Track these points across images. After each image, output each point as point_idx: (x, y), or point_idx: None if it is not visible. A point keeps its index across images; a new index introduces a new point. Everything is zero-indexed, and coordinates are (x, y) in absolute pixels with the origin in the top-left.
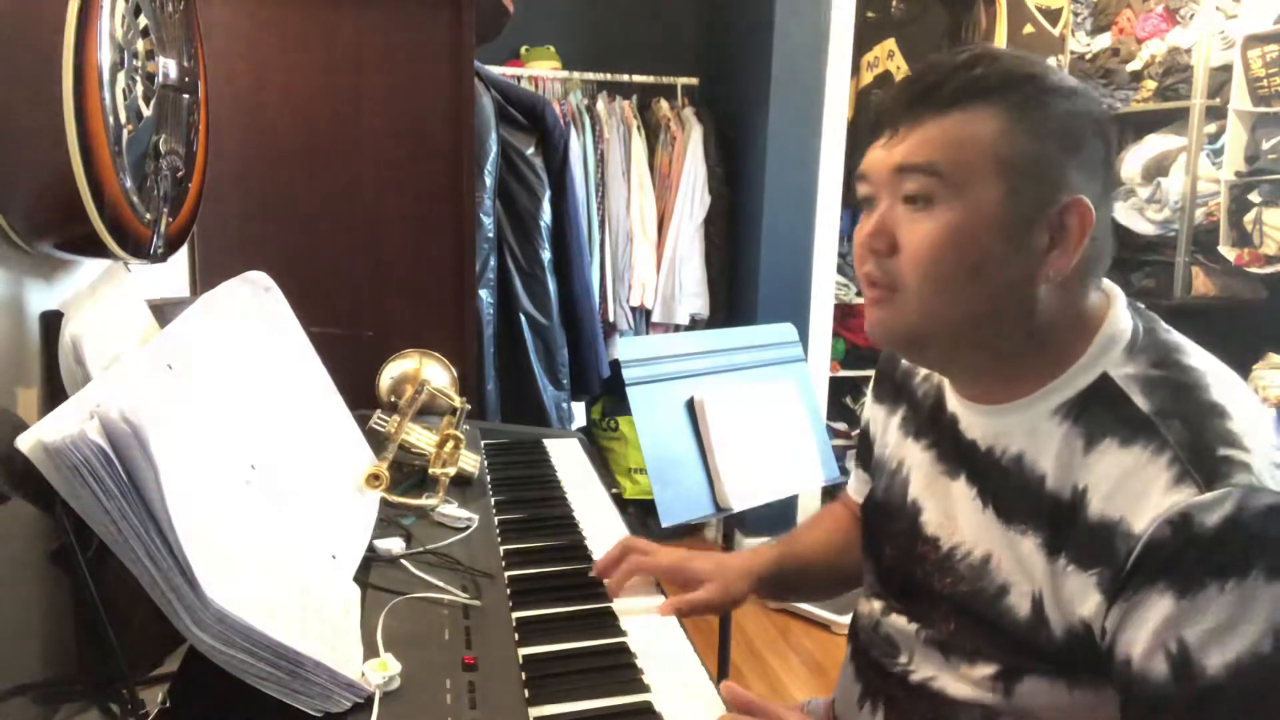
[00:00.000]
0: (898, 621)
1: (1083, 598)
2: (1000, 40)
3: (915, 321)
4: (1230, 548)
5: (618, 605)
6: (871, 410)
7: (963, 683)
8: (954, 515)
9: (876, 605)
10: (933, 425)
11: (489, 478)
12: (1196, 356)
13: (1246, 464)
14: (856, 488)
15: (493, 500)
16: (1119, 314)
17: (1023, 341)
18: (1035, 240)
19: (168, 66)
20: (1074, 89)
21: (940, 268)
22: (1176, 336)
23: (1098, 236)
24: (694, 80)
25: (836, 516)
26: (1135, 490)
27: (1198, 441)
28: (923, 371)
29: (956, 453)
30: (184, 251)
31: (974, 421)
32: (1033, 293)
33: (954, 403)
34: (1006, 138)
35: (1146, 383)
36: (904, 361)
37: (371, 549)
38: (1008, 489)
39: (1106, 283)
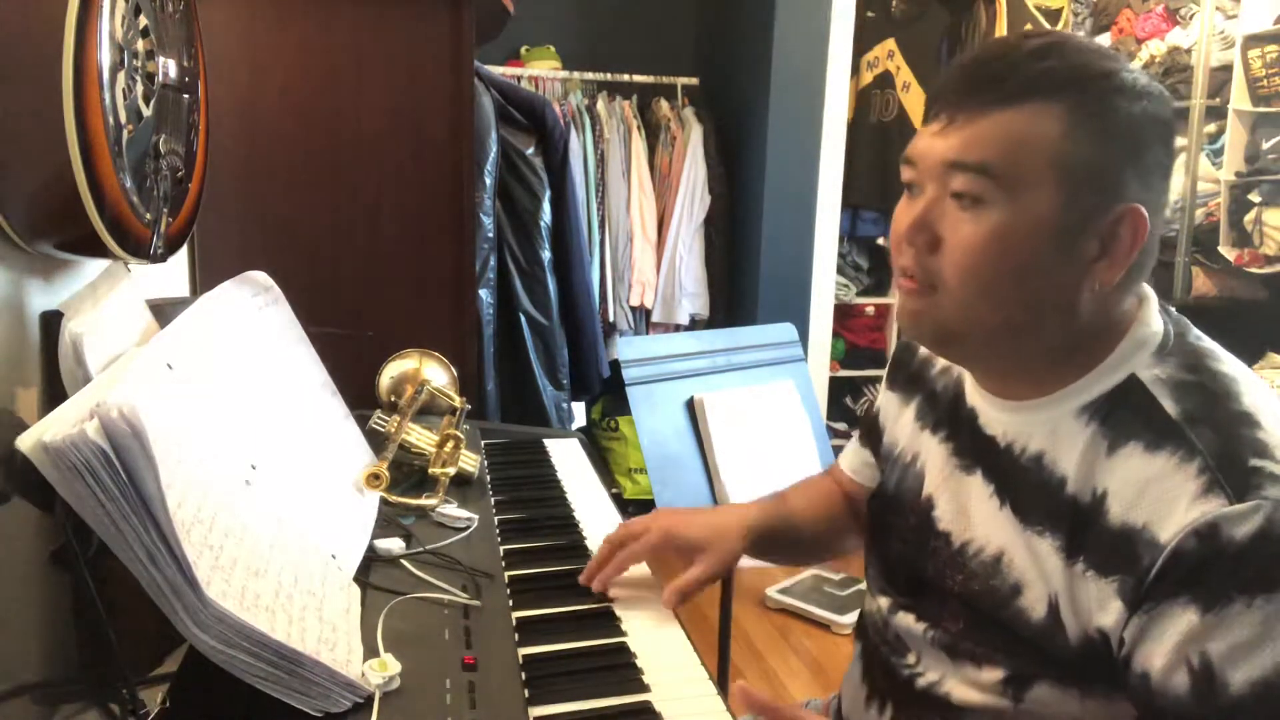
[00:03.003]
0: (905, 620)
1: (1101, 605)
2: None
3: (949, 321)
4: (1259, 562)
5: (620, 608)
6: (884, 397)
7: (971, 688)
8: (968, 511)
9: (884, 602)
10: (951, 418)
11: (489, 478)
12: (1229, 363)
13: (1278, 476)
14: (854, 466)
15: (493, 500)
16: (1150, 316)
17: (1058, 347)
18: (1084, 249)
19: (168, 66)
20: (1145, 90)
21: (983, 272)
22: (1208, 342)
23: (1148, 244)
24: (694, 80)
25: (824, 487)
26: (1160, 497)
27: (1228, 451)
28: (942, 362)
29: (974, 447)
30: (184, 251)
31: (994, 417)
32: (1074, 302)
33: (974, 396)
34: (1069, 140)
35: (1176, 387)
36: (922, 350)
37: (371, 549)
38: (1026, 488)
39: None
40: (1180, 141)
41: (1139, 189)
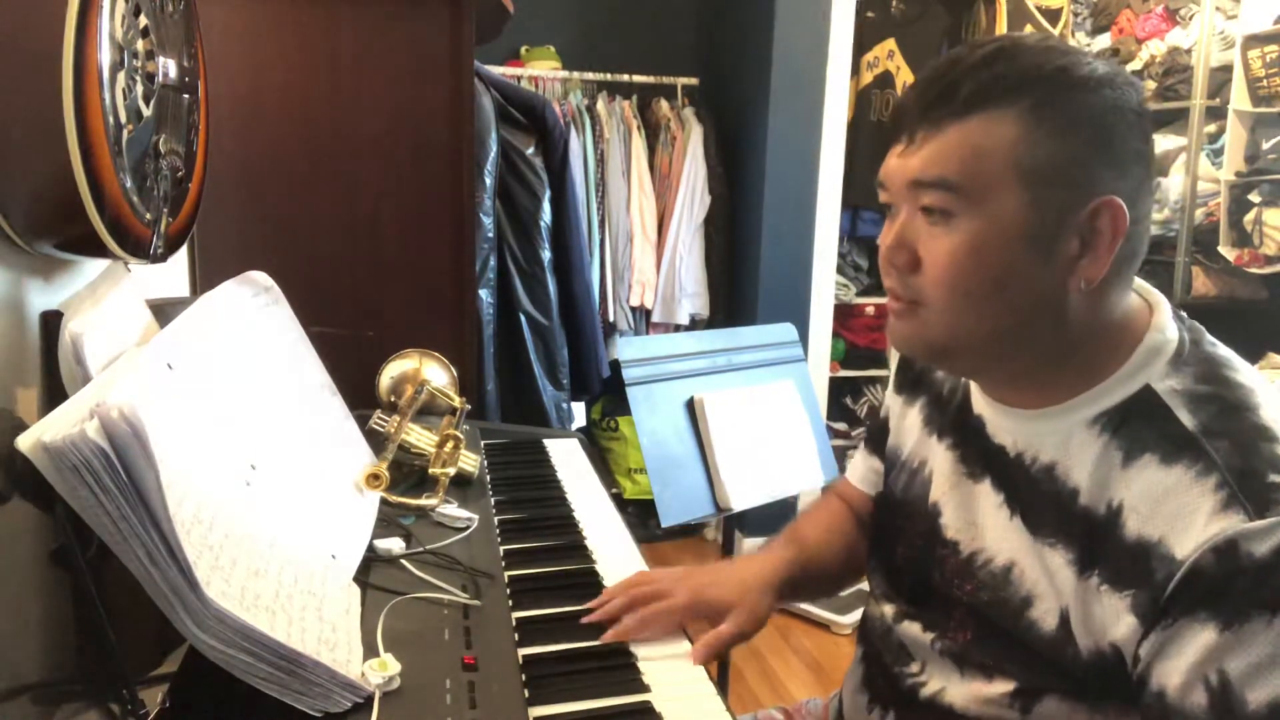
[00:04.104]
0: (911, 629)
1: (1115, 619)
2: None
3: (939, 336)
4: (1279, 580)
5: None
6: (891, 399)
7: (977, 699)
8: (977, 520)
9: (888, 609)
10: (957, 425)
11: (489, 478)
12: (1245, 373)
13: None
14: (862, 475)
15: (493, 500)
16: (1163, 323)
17: (1055, 351)
18: (1063, 248)
19: (168, 66)
20: (1104, 79)
21: (962, 284)
22: (1224, 350)
23: (1132, 235)
24: (694, 80)
25: (834, 510)
26: (1177, 511)
27: (1247, 466)
28: None
29: (982, 455)
30: (184, 251)
31: (1002, 425)
32: (1063, 303)
33: (981, 403)
34: (1026, 143)
35: (1192, 398)
36: None
37: (371, 549)
38: (1037, 498)
39: (1150, 290)
40: (1180, 141)
41: (1113, 179)
